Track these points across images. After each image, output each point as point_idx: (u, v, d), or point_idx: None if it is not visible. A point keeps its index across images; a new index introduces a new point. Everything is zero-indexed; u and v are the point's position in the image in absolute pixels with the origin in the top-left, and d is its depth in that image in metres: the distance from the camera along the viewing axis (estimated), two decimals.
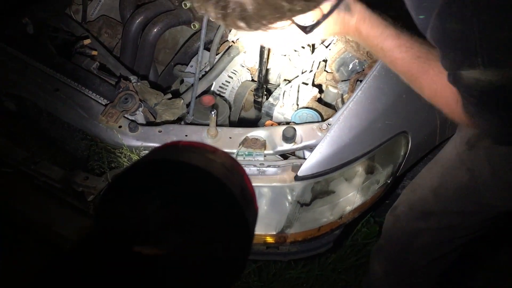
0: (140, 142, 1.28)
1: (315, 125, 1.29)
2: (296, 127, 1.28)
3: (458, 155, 1.16)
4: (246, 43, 1.57)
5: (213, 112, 1.24)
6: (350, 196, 1.37)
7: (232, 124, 1.54)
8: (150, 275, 0.48)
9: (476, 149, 1.11)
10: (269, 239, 1.36)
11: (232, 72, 1.60)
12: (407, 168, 1.48)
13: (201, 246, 0.51)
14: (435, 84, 0.89)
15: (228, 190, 0.53)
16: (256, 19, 0.75)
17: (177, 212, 0.52)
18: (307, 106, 1.47)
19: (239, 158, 1.27)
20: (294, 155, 1.34)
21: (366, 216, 1.65)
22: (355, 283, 1.84)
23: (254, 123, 1.58)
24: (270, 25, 0.77)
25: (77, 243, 0.50)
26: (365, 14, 0.94)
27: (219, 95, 1.57)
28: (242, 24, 0.76)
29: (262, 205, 1.34)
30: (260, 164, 1.27)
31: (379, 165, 1.37)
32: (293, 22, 0.80)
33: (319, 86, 1.55)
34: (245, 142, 1.29)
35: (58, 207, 1.45)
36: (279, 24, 0.77)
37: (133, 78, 1.48)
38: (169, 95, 1.49)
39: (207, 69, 1.60)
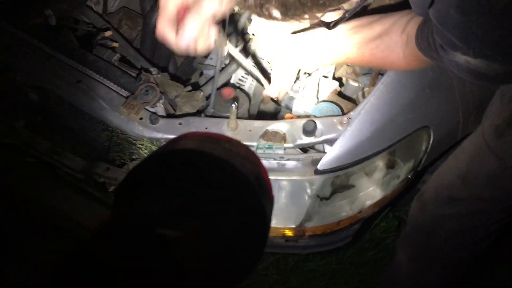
0: (160, 134, 1.29)
1: (335, 119, 1.28)
2: (316, 120, 1.28)
3: (486, 142, 1.16)
4: (265, 36, 1.56)
5: (234, 105, 1.24)
6: (370, 191, 1.36)
7: (252, 117, 1.54)
8: (172, 257, 0.48)
9: (505, 137, 1.11)
10: (288, 232, 1.36)
11: (252, 65, 1.59)
12: (428, 163, 1.46)
13: (220, 231, 0.52)
14: (404, 57, 1.09)
15: (245, 178, 0.54)
16: (296, 7, 0.75)
17: (196, 199, 0.52)
18: (327, 99, 1.46)
19: (259, 151, 1.27)
20: (314, 148, 1.34)
21: (385, 211, 1.64)
22: (372, 277, 1.84)
23: (273, 116, 1.57)
24: (304, 15, 0.78)
25: (98, 230, 0.51)
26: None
27: (238, 87, 1.57)
28: (278, 13, 0.76)
29: (282, 198, 1.33)
30: (280, 157, 1.27)
31: (400, 160, 1.36)
32: (319, 18, 0.81)
33: (339, 80, 1.54)
34: (265, 135, 1.29)
35: (79, 197, 1.47)
36: (311, 15, 0.79)
37: (153, 70, 1.48)
38: (189, 87, 1.49)
39: (226, 62, 1.60)
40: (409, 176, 1.41)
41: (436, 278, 1.46)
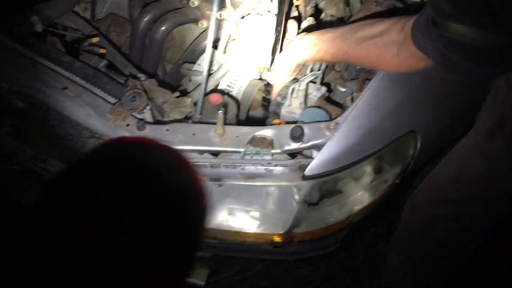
0: None
1: (323, 124, 1.28)
2: (304, 126, 1.28)
3: (477, 144, 1.17)
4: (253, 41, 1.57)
5: (220, 111, 1.24)
6: (358, 196, 1.36)
7: (240, 122, 1.53)
8: (91, 276, 0.47)
9: (496, 139, 1.11)
10: (276, 239, 1.36)
11: (239, 71, 1.59)
12: (418, 168, 1.46)
13: (143, 243, 0.50)
14: (398, 55, 1.07)
15: (171, 185, 0.52)
16: None
17: (116, 210, 0.51)
18: (315, 105, 1.46)
19: (247, 157, 1.27)
20: (302, 154, 1.33)
21: (375, 216, 1.64)
22: (363, 282, 1.83)
23: (261, 122, 1.57)
24: None
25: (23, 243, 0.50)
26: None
27: (227, 93, 1.56)
28: None
29: (269, 204, 1.33)
30: (268, 163, 1.26)
31: (388, 165, 1.36)
32: None
33: (327, 85, 1.55)
34: (253, 141, 1.28)
35: None
36: None
37: (141, 76, 1.48)
38: (177, 94, 1.49)
39: (215, 68, 1.60)
40: (397, 181, 1.41)
41: (429, 280, 1.46)
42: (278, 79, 1.40)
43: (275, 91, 1.44)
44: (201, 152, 1.31)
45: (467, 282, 1.62)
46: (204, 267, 1.45)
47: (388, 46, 1.09)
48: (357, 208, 1.38)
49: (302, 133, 1.26)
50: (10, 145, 1.42)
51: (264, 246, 1.38)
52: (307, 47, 1.31)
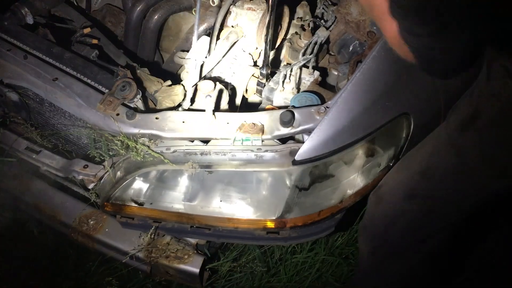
0: (137, 130, 1.28)
1: (313, 109, 1.27)
2: (294, 110, 1.27)
3: (448, 136, 1.10)
4: (245, 27, 1.56)
5: (208, 97, 1.23)
6: (351, 180, 1.35)
7: (233, 109, 1.53)
8: None
9: (468, 132, 1.05)
10: (269, 224, 1.35)
11: (233, 58, 1.58)
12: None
13: None
14: None
15: None
16: None
17: None
18: (308, 89, 1.44)
19: (237, 144, 1.27)
20: (294, 139, 1.33)
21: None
22: None
23: (255, 108, 1.56)
24: None
25: None
26: None
27: (219, 80, 1.56)
28: None
29: (261, 190, 1.33)
30: (258, 149, 1.26)
31: (380, 148, 1.35)
32: None
33: (322, 69, 1.53)
34: (243, 127, 1.28)
35: (61, 195, 1.47)
36: None
37: (133, 66, 1.48)
38: (169, 82, 1.49)
39: (208, 55, 1.59)
40: (390, 164, 1.40)
41: (396, 272, 1.41)
42: None
43: None
44: (191, 139, 1.31)
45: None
46: (199, 254, 1.46)
47: None
48: (350, 192, 1.37)
49: (292, 118, 1.25)
50: (5, 137, 1.44)
51: (257, 232, 1.37)
52: None
